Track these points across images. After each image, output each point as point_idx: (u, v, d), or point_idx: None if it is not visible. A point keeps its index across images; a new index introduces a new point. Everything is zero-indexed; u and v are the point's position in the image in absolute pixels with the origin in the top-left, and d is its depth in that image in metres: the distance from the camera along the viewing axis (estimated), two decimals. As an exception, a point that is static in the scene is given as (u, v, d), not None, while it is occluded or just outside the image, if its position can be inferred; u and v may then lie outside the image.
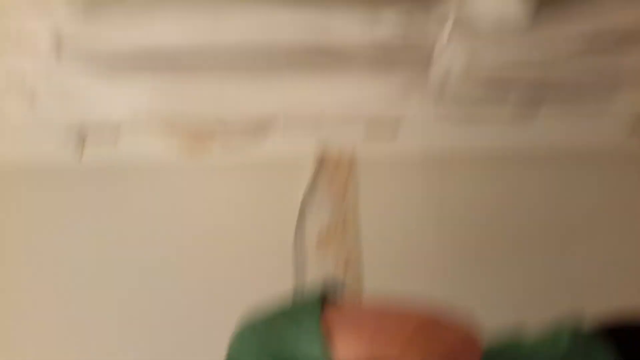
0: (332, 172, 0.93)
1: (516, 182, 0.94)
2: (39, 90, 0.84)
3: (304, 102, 0.84)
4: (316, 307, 0.46)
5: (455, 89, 0.76)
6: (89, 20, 0.74)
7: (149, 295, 0.90)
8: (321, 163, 0.93)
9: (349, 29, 0.72)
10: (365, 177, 0.95)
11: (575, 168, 0.94)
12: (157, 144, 0.90)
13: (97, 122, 0.88)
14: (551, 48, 0.72)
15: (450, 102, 0.79)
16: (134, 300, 0.90)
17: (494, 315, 0.65)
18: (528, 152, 0.92)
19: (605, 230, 0.94)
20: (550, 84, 0.76)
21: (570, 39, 0.73)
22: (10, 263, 0.91)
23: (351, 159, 0.94)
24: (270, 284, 0.82)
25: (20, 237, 0.92)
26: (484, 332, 0.48)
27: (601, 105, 0.83)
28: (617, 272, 0.93)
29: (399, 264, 0.93)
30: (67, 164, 0.93)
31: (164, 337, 0.89)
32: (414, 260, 0.92)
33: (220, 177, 0.94)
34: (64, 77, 0.82)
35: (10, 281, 0.91)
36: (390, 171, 0.95)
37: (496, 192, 0.94)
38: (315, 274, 0.88)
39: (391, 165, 0.94)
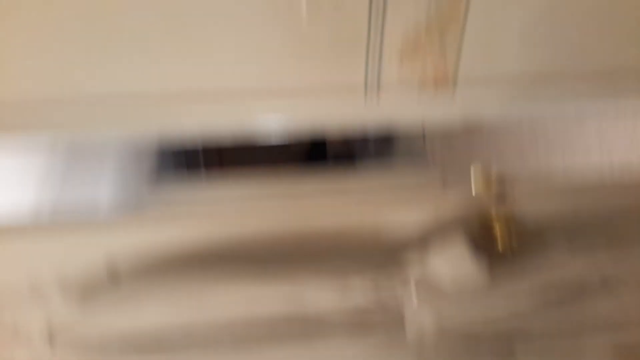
0: None
1: None
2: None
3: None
4: None
5: (431, 345, 0.79)
6: (81, 309, 0.80)
7: None
8: None
9: (322, 297, 0.77)
10: None
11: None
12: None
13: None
14: (512, 302, 0.77)
15: (430, 356, 0.81)
16: None
17: None
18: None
19: None
20: (520, 333, 0.79)
21: (527, 293, 0.78)
22: None
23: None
24: None
25: None
26: None
27: (576, 346, 0.85)
28: None
29: None
30: None
31: None
32: None
33: None
34: (55, 363, 0.84)
35: None
36: None
37: None
38: None
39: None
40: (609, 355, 0.85)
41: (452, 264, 0.77)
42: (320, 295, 0.78)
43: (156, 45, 0.80)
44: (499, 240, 0.78)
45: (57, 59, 0.77)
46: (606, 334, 0.82)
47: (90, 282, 0.83)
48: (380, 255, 0.80)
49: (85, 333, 0.80)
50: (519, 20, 0.81)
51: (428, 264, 0.78)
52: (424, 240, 0.81)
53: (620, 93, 0.88)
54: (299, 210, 0.80)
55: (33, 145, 0.83)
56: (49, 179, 0.96)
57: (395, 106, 0.83)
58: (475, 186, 0.81)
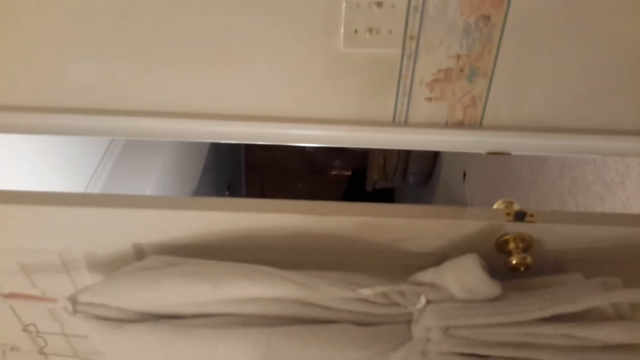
0: None
1: None
2: None
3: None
4: None
5: (437, 350, 0.79)
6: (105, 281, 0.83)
7: None
8: None
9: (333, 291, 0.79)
10: None
11: None
12: None
13: None
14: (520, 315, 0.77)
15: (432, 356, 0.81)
16: None
17: None
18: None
19: None
20: (525, 345, 0.78)
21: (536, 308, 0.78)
22: None
23: None
24: None
25: None
26: None
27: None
28: None
29: None
30: None
31: None
32: None
33: None
34: None
35: None
36: None
37: None
38: None
39: None
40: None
41: (464, 274, 0.78)
42: (331, 289, 0.79)
43: (199, 65, 0.86)
44: (513, 254, 0.79)
45: (114, 75, 0.86)
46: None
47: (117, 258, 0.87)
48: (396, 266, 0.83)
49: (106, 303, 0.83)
50: (547, 67, 0.85)
51: (441, 272, 0.80)
52: (441, 253, 0.83)
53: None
54: (320, 220, 0.84)
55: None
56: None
57: (422, 136, 0.89)
58: (496, 205, 0.83)
